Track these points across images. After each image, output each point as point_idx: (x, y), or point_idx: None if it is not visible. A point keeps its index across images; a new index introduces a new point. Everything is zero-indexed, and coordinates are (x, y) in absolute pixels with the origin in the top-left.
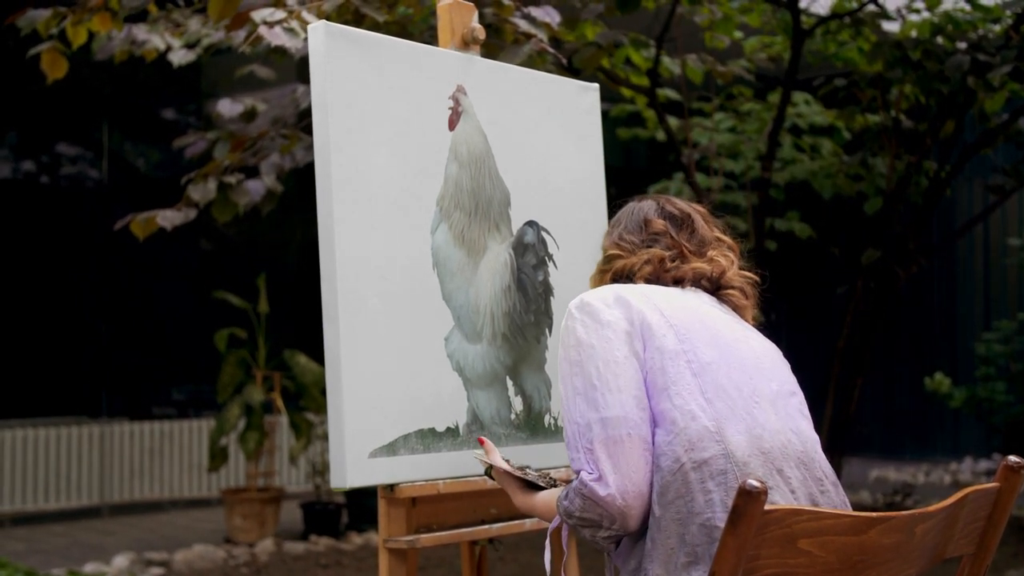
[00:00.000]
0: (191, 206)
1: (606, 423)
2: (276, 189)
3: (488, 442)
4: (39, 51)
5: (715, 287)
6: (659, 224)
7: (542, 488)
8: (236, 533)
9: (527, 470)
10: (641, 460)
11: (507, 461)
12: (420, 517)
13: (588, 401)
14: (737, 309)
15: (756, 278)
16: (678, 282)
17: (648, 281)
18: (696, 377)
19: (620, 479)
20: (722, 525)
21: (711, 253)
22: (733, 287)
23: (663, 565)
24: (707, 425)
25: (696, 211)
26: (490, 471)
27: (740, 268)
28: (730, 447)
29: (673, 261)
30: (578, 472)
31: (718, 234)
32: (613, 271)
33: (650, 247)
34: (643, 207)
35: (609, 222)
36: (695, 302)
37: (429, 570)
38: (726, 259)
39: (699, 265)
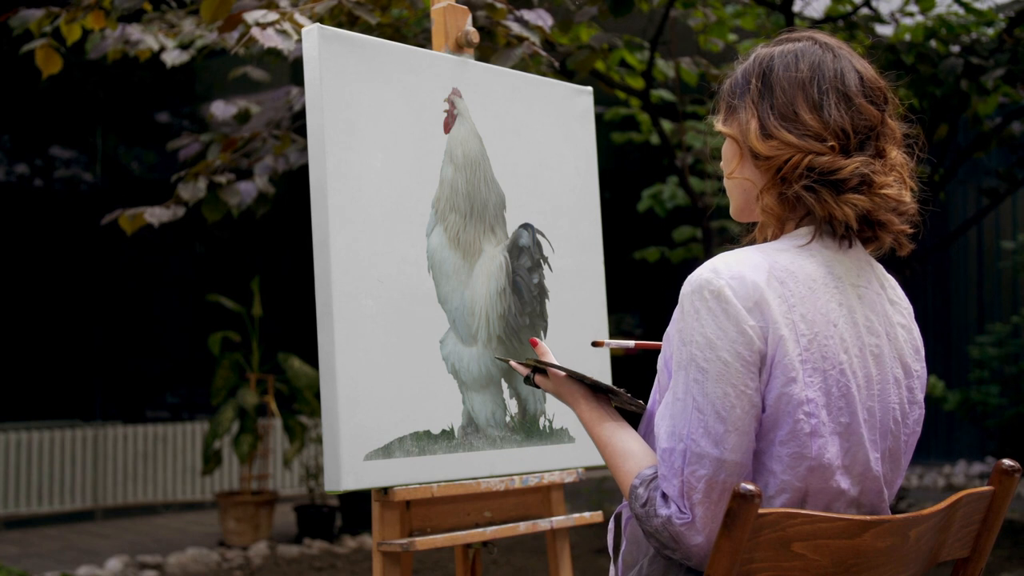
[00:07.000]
0: (180, 204)
1: (722, 466)
2: (268, 191)
3: (542, 344)
4: (33, 47)
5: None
6: (870, 113)
7: (615, 394)
8: (230, 536)
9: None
10: None
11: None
12: (414, 520)
13: (707, 429)
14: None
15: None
16: (845, 237)
17: (858, 227)
18: (798, 442)
19: (714, 530)
20: None
21: (894, 153)
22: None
23: None
24: (790, 500)
25: (881, 79)
26: (531, 380)
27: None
28: None
29: (881, 189)
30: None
31: (888, 116)
32: (807, 163)
33: (861, 148)
34: (837, 67)
35: (760, 66)
36: (836, 308)
37: (423, 573)
38: (901, 172)
39: (896, 215)
